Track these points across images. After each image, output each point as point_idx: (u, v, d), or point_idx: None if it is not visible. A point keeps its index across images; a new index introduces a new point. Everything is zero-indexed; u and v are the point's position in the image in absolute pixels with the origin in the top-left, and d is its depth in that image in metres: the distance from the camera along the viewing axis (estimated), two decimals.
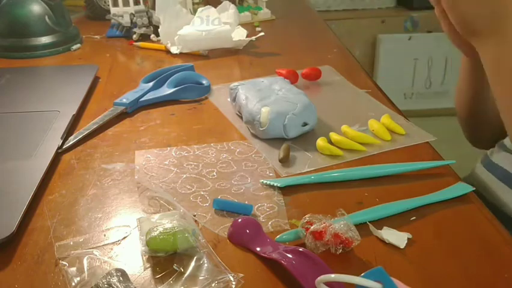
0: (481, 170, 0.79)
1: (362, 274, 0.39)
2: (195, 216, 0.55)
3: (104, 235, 0.52)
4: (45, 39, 1.08)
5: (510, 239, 0.51)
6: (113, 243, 0.51)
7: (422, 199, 0.56)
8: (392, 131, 0.70)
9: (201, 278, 0.46)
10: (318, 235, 0.48)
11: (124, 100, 0.80)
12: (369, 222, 0.52)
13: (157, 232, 0.48)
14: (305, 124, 0.70)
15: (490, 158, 0.79)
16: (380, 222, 0.53)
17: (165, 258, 0.48)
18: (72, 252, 0.49)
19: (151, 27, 1.14)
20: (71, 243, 0.51)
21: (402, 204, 0.55)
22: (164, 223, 0.50)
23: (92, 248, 0.50)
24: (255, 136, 0.71)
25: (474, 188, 0.58)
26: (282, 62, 1.00)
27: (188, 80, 0.87)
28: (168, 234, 0.48)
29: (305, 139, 0.69)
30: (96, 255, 0.49)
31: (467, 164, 0.86)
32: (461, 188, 0.58)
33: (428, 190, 0.58)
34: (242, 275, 0.46)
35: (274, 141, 0.69)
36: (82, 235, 0.52)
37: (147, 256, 0.49)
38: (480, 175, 0.79)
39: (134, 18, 1.14)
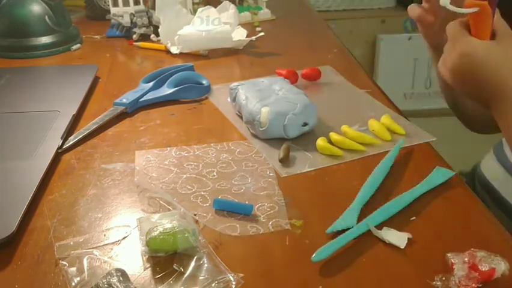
0: (490, 163, 0.80)
1: None
2: (195, 215, 0.55)
3: (104, 235, 0.52)
4: (45, 39, 1.08)
5: (510, 238, 0.51)
6: (113, 243, 0.51)
7: (413, 192, 0.57)
8: (392, 131, 0.70)
9: (201, 278, 0.46)
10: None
11: (124, 100, 0.80)
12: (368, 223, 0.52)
13: (157, 232, 0.48)
14: (305, 124, 0.70)
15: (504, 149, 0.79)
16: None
17: (165, 258, 0.48)
18: (72, 252, 0.49)
19: (151, 27, 1.14)
20: (71, 243, 0.51)
21: (398, 203, 0.55)
22: (164, 223, 0.50)
23: (92, 248, 0.50)
24: (255, 136, 0.71)
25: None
26: (282, 62, 1.00)
27: (188, 80, 0.87)
28: (168, 234, 0.48)
29: (305, 139, 0.69)
30: (96, 255, 0.49)
31: (466, 164, 0.86)
32: (443, 173, 0.60)
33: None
34: (242, 275, 0.46)
35: (274, 141, 0.69)
36: (82, 235, 0.52)
37: (147, 256, 0.49)
38: (489, 168, 0.79)
39: (134, 18, 1.14)
